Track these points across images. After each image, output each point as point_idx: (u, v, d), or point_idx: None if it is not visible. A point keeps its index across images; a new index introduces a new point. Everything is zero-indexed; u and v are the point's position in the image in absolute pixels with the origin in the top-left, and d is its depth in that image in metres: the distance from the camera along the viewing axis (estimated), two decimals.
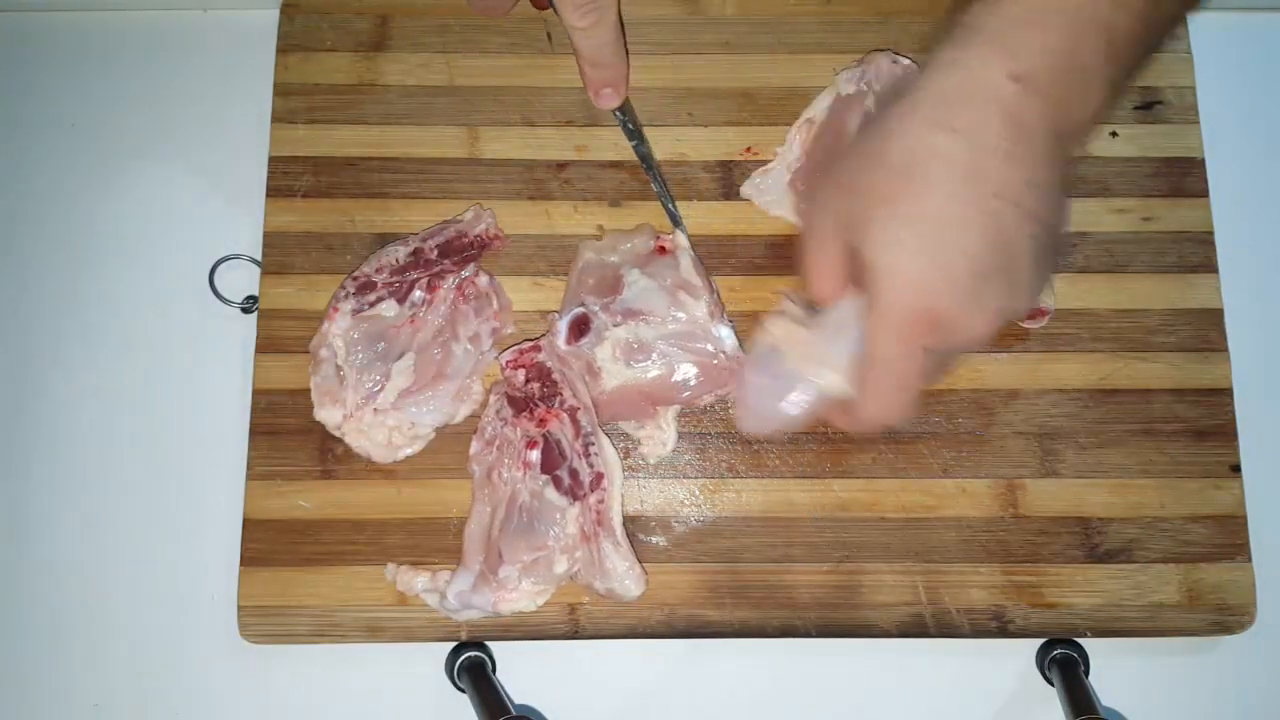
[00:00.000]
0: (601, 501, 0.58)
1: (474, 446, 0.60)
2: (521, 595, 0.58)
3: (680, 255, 0.62)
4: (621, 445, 0.62)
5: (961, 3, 0.48)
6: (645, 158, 0.65)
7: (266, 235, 0.65)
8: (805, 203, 0.52)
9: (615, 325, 0.60)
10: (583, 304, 0.61)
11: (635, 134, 0.65)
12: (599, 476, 0.58)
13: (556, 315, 0.62)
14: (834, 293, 0.52)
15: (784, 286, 0.60)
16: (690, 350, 0.61)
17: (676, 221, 0.64)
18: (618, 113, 0.65)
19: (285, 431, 0.62)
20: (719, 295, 0.63)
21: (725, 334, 0.61)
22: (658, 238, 0.63)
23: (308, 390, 0.61)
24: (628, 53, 0.65)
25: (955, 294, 0.47)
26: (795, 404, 0.54)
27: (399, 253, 0.63)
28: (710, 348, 0.60)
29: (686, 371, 0.60)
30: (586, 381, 0.60)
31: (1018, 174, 0.46)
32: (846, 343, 0.52)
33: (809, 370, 0.53)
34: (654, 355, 0.60)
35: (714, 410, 0.62)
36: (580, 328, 0.61)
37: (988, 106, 0.45)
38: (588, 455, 0.59)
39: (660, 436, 0.61)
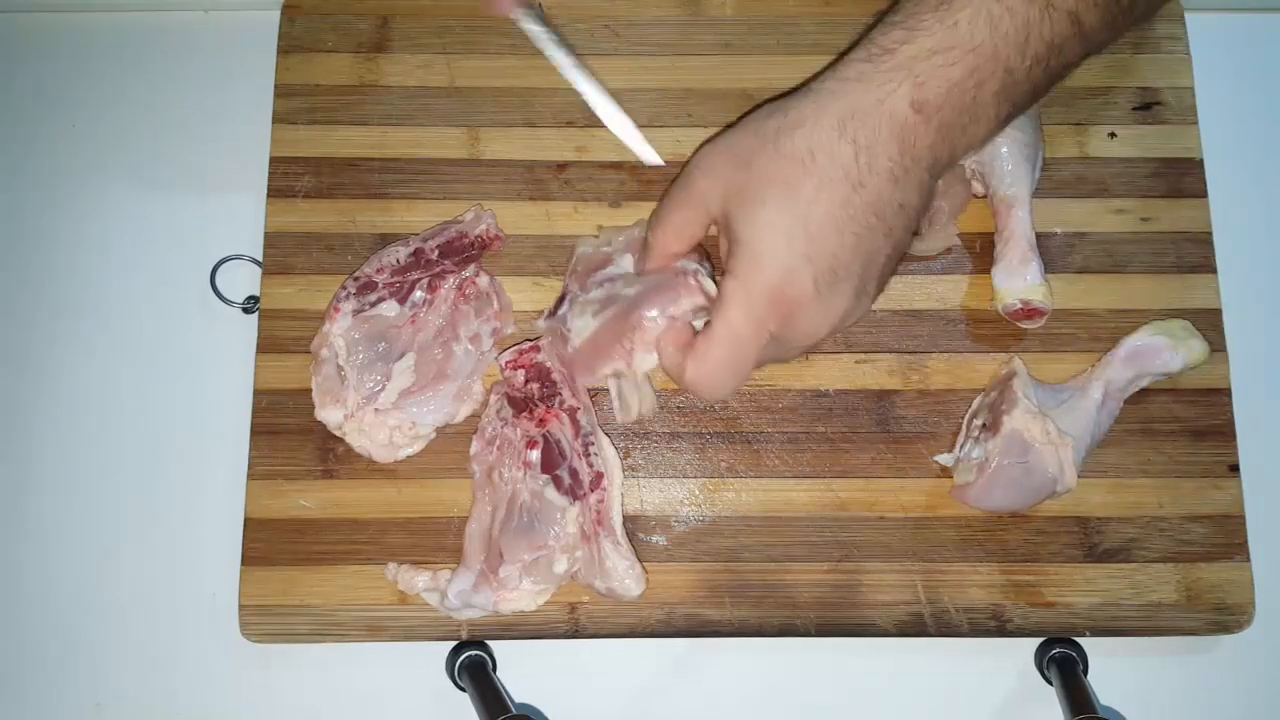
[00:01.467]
0: (601, 501, 0.58)
1: (474, 446, 0.61)
2: (522, 595, 0.58)
3: None
4: (621, 445, 0.62)
5: (884, 18, 0.50)
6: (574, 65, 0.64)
7: (268, 236, 0.65)
8: (689, 164, 0.54)
9: (589, 293, 0.60)
10: (565, 289, 0.62)
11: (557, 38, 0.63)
12: (599, 476, 0.59)
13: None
14: (673, 253, 0.56)
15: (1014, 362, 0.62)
16: (654, 284, 0.58)
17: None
18: (528, 19, 0.62)
19: (286, 431, 0.62)
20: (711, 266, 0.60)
21: (692, 264, 0.58)
22: None
23: (309, 390, 0.61)
24: None
25: (814, 288, 0.49)
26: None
27: (400, 253, 0.63)
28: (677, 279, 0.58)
29: (649, 298, 0.57)
30: (562, 352, 0.60)
31: (895, 196, 0.49)
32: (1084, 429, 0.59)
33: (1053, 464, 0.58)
34: (620, 300, 0.59)
35: (713, 410, 0.62)
36: (558, 305, 0.61)
37: (888, 128, 0.48)
38: (588, 455, 0.59)
39: (637, 392, 0.59)
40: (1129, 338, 0.62)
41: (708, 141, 0.54)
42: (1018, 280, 0.61)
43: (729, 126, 0.54)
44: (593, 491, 0.58)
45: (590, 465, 0.59)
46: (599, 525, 0.58)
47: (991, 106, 0.49)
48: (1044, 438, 0.58)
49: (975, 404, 0.62)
